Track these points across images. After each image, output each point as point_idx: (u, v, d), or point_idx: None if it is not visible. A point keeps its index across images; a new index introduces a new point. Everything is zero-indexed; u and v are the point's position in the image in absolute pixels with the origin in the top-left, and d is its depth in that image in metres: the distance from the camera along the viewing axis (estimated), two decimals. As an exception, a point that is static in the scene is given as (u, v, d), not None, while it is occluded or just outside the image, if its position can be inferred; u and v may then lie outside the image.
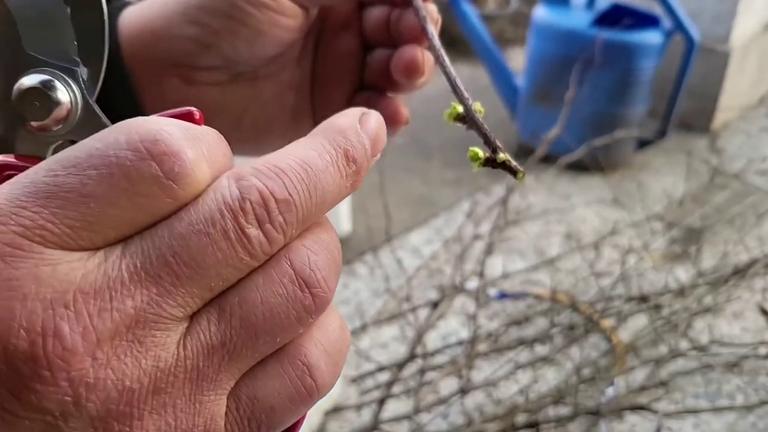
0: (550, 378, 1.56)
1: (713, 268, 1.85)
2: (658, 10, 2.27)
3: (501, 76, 2.51)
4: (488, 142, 0.25)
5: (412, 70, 0.39)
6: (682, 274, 1.88)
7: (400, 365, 1.49)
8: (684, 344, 1.61)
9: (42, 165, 0.20)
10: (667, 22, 2.27)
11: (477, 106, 0.26)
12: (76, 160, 0.20)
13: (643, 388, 1.47)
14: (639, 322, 1.71)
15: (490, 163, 0.25)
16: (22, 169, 0.21)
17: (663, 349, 1.61)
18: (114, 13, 0.41)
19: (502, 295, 1.80)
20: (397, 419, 1.40)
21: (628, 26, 2.14)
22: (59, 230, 0.19)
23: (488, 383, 1.49)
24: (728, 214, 1.92)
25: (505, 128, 2.51)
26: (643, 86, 2.29)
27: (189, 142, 0.21)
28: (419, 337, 1.51)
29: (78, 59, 0.23)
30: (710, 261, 1.92)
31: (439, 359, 1.58)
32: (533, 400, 1.42)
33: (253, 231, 0.21)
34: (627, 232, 1.98)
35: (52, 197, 0.19)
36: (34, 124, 0.22)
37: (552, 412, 1.44)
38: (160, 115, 0.22)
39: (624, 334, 1.67)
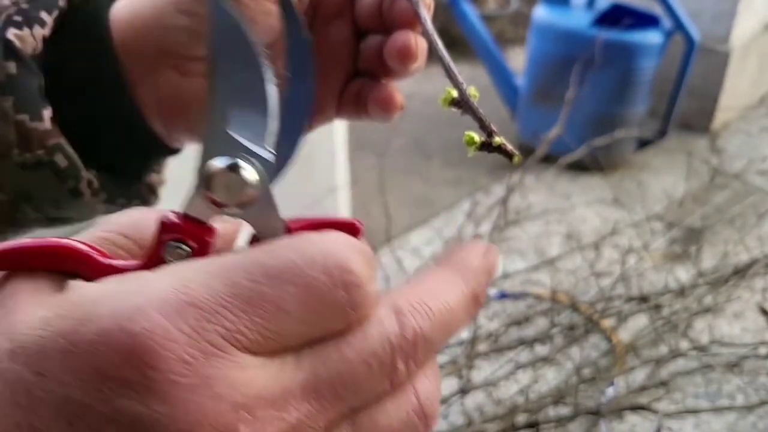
0: (550, 378, 1.56)
1: (713, 268, 1.84)
2: (658, 10, 2.27)
3: (501, 76, 2.51)
4: (483, 127, 0.25)
5: (406, 56, 0.39)
6: (683, 274, 1.87)
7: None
8: (684, 344, 1.61)
9: (239, 263, 0.21)
10: (667, 22, 2.27)
11: (472, 91, 0.26)
12: (277, 271, 0.21)
13: (643, 388, 1.47)
14: (639, 322, 1.71)
15: (486, 147, 0.25)
16: (188, 235, 0.24)
17: (663, 349, 1.61)
18: (106, 4, 0.41)
19: (503, 295, 1.80)
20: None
21: (628, 26, 2.14)
22: (253, 337, 0.21)
23: (488, 383, 1.48)
24: (728, 214, 1.92)
25: (505, 128, 2.51)
26: (643, 86, 2.29)
27: (371, 274, 0.23)
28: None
29: (273, 150, 0.24)
30: (710, 261, 1.92)
31: (439, 359, 1.58)
32: (533, 400, 1.41)
33: (401, 365, 0.23)
34: (627, 232, 1.98)
35: (253, 305, 0.21)
36: (216, 200, 0.23)
37: (552, 412, 1.44)
38: (327, 220, 0.25)
39: (624, 334, 1.67)
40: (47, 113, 0.37)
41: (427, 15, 0.36)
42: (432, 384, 0.24)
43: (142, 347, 0.20)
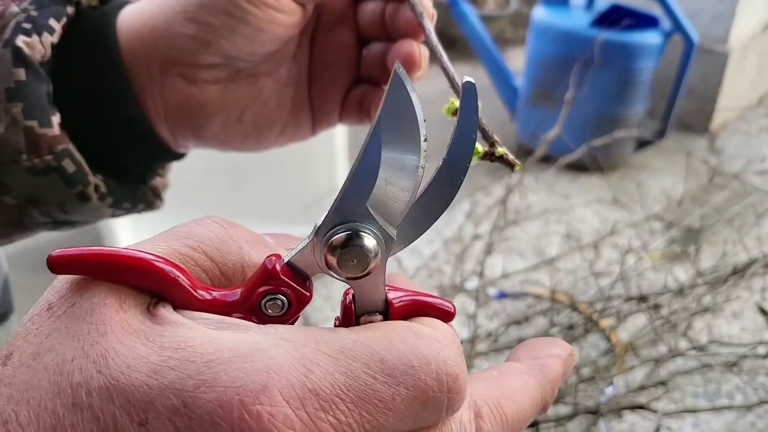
0: (550, 377, 1.57)
1: (712, 268, 1.85)
2: (657, 10, 2.28)
3: (501, 76, 2.51)
4: (486, 137, 0.26)
5: (409, 64, 0.40)
6: (682, 273, 1.88)
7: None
8: (683, 344, 1.62)
9: (357, 352, 0.22)
10: (666, 23, 2.27)
11: (475, 102, 0.27)
12: (393, 370, 0.22)
13: (642, 388, 1.48)
14: (638, 321, 1.71)
15: (489, 156, 0.25)
16: (287, 286, 0.24)
17: (662, 349, 1.61)
18: (113, 12, 0.41)
19: (502, 295, 1.80)
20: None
21: (627, 27, 2.14)
22: (358, 430, 0.21)
23: (488, 382, 1.49)
24: (727, 214, 1.92)
25: (504, 128, 2.52)
26: (643, 86, 2.29)
27: (466, 380, 0.24)
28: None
29: (396, 230, 0.24)
30: (709, 261, 1.92)
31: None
32: (533, 400, 1.42)
33: None
34: (626, 232, 1.98)
35: (366, 401, 0.21)
36: (336, 265, 0.23)
37: (551, 411, 1.44)
38: (428, 302, 0.25)
39: (623, 334, 1.67)
40: (56, 119, 0.38)
41: (430, 26, 0.37)
42: None
43: (263, 430, 0.20)
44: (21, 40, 0.37)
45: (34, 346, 0.22)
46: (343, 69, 0.44)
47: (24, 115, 0.37)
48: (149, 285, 0.23)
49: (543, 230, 2.10)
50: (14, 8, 0.38)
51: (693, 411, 1.46)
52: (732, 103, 2.71)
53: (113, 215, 0.44)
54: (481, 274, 1.65)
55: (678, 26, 2.23)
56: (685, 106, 2.55)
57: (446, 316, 0.25)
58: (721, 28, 2.55)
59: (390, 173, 0.23)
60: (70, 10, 0.40)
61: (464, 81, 0.24)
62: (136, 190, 0.45)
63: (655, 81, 2.33)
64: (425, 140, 0.24)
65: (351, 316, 0.25)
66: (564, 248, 2.00)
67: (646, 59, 2.24)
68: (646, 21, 2.26)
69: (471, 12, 2.49)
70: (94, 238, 1.95)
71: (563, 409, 1.44)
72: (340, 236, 0.23)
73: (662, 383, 1.49)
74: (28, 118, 0.37)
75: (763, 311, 1.77)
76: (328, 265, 0.23)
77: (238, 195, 1.98)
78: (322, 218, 0.23)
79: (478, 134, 0.26)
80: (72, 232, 0.47)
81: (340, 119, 0.46)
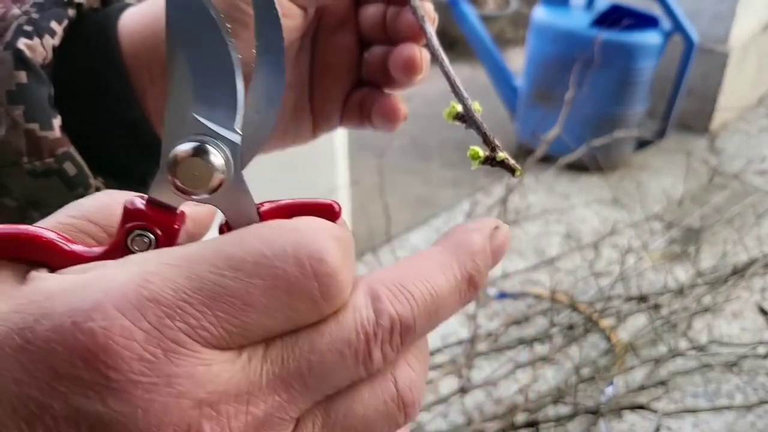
0: (550, 377, 1.57)
1: (712, 268, 1.85)
2: (657, 10, 2.28)
3: (500, 76, 2.51)
4: (487, 141, 0.26)
5: (411, 68, 0.40)
6: (682, 273, 1.88)
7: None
8: (683, 344, 1.62)
9: (204, 255, 0.21)
10: (666, 23, 2.27)
11: (476, 106, 0.27)
12: (243, 264, 0.20)
13: (642, 388, 1.48)
14: (638, 321, 1.72)
15: (489, 161, 0.25)
16: (152, 222, 0.22)
17: (662, 349, 1.62)
18: (114, 14, 0.41)
19: (502, 295, 1.81)
20: (397, 418, 1.40)
21: (627, 27, 2.14)
22: (218, 333, 0.20)
23: (488, 383, 1.49)
24: (727, 214, 1.92)
25: (504, 128, 2.52)
26: (643, 87, 2.30)
27: (344, 261, 0.22)
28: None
29: (240, 132, 0.23)
30: (709, 261, 1.93)
31: (439, 359, 1.59)
32: (533, 400, 1.42)
33: (377, 353, 0.22)
34: (626, 232, 1.98)
35: (218, 300, 0.20)
36: (182, 187, 0.22)
37: (551, 411, 1.44)
38: (302, 202, 0.23)
39: (623, 334, 1.67)
40: (57, 122, 0.38)
41: (432, 29, 0.37)
42: (414, 372, 0.23)
43: (100, 346, 0.19)
44: (22, 43, 0.37)
45: None
46: (344, 72, 0.44)
47: (25, 118, 0.37)
48: (27, 254, 0.22)
49: (543, 230, 2.10)
50: (16, 11, 0.38)
51: (693, 411, 1.46)
52: (732, 103, 2.71)
53: None
54: (481, 275, 1.65)
55: (678, 26, 2.23)
56: (685, 106, 2.55)
57: (330, 214, 0.23)
58: (721, 28, 2.55)
59: (207, 77, 0.22)
60: (71, 12, 0.40)
61: None
62: (137, 192, 0.45)
63: (655, 81, 2.33)
64: (228, 32, 0.23)
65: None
66: (564, 248, 2.01)
67: (646, 59, 2.24)
68: (646, 21, 2.26)
69: (471, 12, 2.50)
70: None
71: (563, 409, 1.44)
72: (177, 155, 0.22)
73: (662, 383, 1.49)
74: (29, 120, 0.37)
75: (763, 311, 1.78)
76: (180, 189, 0.22)
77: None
78: (163, 145, 0.22)
79: (479, 139, 0.26)
80: None
81: (341, 122, 0.46)
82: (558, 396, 1.43)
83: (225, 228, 0.24)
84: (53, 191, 0.39)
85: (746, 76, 2.76)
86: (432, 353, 1.58)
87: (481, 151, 0.26)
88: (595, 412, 1.39)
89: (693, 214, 2.02)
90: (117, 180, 0.43)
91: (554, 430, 1.39)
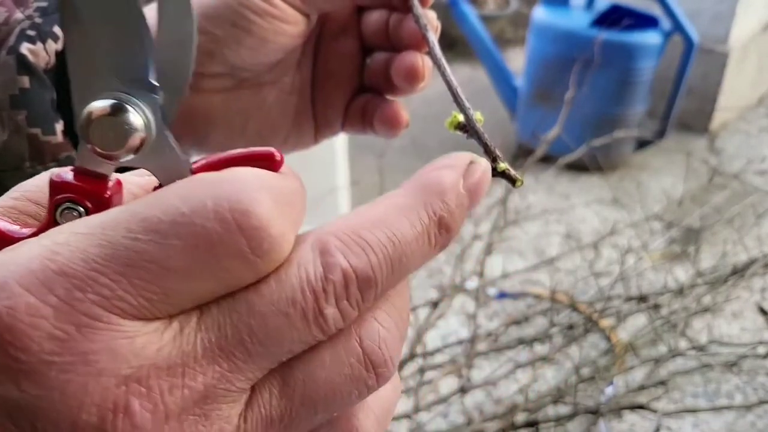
0: (550, 377, 1.57)
1: (712, 268, 1.85)
2: (657, 10, 2.28)
3: (500, 76, 2.51)
4: (488, 152, 0.26)
5: (413, 76, 0.40)
6: (681, 273, 1.88)
7: (400, 364, 1.49)
8: (683, 344, 1.62)
9: (118, 219, 0.19)
10: (666, 23, 2.27)
11: (477, 115, 0.27)
12: (159, 225, 0.18)
13: (642, 388, 1.48)
14: (638, 321, 1.72)
15: (491, 171, 0.26)
16: (80, 193, 0.20)
17: (662, 349, 1.62)
18: None
19: (502, 295, 1.81)
20: (397, 418, 1.40)
21: (627, 27, 2.14)
22: (137, 302, 0.18)
23: (488, 382, 1.49)
24: (727, 214, 1.93)
25: (504, 129, 2.52)
26: (643, 86, 2.30)
27: (279, 212, 0.19)
28: (419, 337, 1.52)
29: (156, 83, 0.21)
30: (709, 261, 1.93)
31: (439, 358, 1.59)
32: (533, 400, 1.42)
33: (330, 310, 0.20)
34: (626, 232, 1.99)
35: (133, 266, 0.18)
36: (101, 150, 0.20)
37: (551, 411, 1.45)
38: (237, 154, 0.21)
39: (623, 334, 1.67)
40: (59, 127, 0.38)
41: (434, 38, 0.37)
42: (385, 328, 0.21)
43: (5, 327, 0.17)
44: (25, 48, 0.37)
45: None
46: (347, 78, 0.44)
47: (28, 123, 0.37)
48: None
49: (543, 230, 2.10)
50: (19, 15, 0.38)
51: (693, 411, 1.46)
52: (732, 103, 2.71)
53: None
54: (480, 274, 1.65)
55: (678, 26, 2.23)
56: (685, 106, 2.55)
57: (270, 162, 0.21)
58: (721, 28, 2.55)
59: (113, 31, 0.20)
60: None
61: None
62: None
63: (655, 81, 2.33)
64: None
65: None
66: (564, 248, 2.01)
67: (646, 59, 2.24)
68: (646, 21, 2.26)
69: (471, 12, 2.50)
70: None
71: (563, 409, 1.44)
72: (90, 117, 0.20)
73: (662, 383, 1.49)
74: (31, 125, 0.37)
75: (762, 311, 1.78)
76: (100, 154, 0.20)
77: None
78: (75, 111, 0.20)
79: (481, 149, 0.26)
80: None
81: (343, 128, 0.46)
82: (558, 396, 1.43)
83: (157, 187, 0.21)
84: None
85: (746, 76, 2.76)
86: (432, 353, 1.59)
87: (482, 161, 0.26)
88: (595, 412, 1.39)
89: (693, 214, 2.03)
90: None
91: (554, 430, 1.39)
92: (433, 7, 0.41)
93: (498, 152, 0.26)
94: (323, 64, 0.45)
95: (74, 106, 0.21)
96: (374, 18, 0.42)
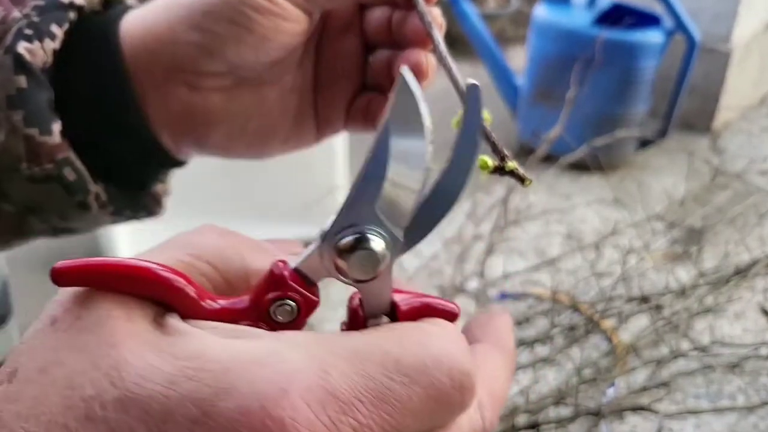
0: (551, 378, 1.57)
1: (714, 269, 1.85)
2: (659, 9, 2.28)
3: (501, 75, 2.51)
4: (496, 151, 0.25)
5: (417, 74, 0.39)
6: (683, 274, 1.88)
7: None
8: (685, 345, 1.62)
9: (373, 353, 0.22)
10: (668, 22, 2.27)
11: (485, 115, 0.26)
12: (408, 370, 0.22)
13: (644, 389, 1.48)
14: (640, 322, 1.71)
15: (499, 170, 0.25)
16: (298, 294, 0.24)
17: (664, 350, 1.62)
18: (116, 18, 0.41)
19: (503, 296, 1.80)
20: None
21: (628, 26, 2.14)
22: (377, 431, 0.21)
23: (489, 384, 1.49)
24: (729, 214, 1.92)
25: (505, 128, 2.51)
26: (644, 86, 2.29)
27: (476, 377, 0.24)
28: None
29: (402, 232, 0.24)
30: (711, 261, 1.92)
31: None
32: (534, 401, 1.42)
33: None
34: (628, 232, 1.98)
35: (385, 402, 0.21)
36: (345, 268, 0.23)
37: (553, 412, 1.44)
38: (434, 304, 0.25)
39: (625, 335, 1.67)
40: (56, 127, 0.38)
41: (440, 36, 0.36)
42: None
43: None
44: (22, 47, 0.37)
45: (40, 362, 0.21)
46: (349, 76, 0.44)
47: (24, 123, 0.37)
48: (155, 295, 0.22)
49: (544, 230, 2.10)
50: (16, 14, 0.38)
51: (695, 412, 1.46)
52: (734, 103, 2.70)
53: (113, 222, 0.44)
54: (481, 275, 1.65)
55: (680, 25, 2.22)
56: (686, 105, 2.54)
57: (451, 316, 0.25)
58: (724, 27, 2.55)
59: (397, 176, 0.23)
60: (72, 15, 0.39)
61: (468, 83, 0.24)
62: (137, 198, 0.45)
63: (656, 80, 2.33)
64: (431, 143, 0.24)
65: (359, 319, 0.25)
66: (565, 248, 2.00)
67: (648, 58, 2.24)
68: (647, 20, 2.25)
69: (472, 10, 2.49)
70: (92, 239, 1.95)
71: (564, 411, 1.44)
72: (350, 240, 0.23)
73: (664, 384, 1.49)
74: (28, 126, 0.37)
75: (765, 312, 1.77)
76: (338, 269, 0.23)
77: (238, 194, 1.98)
78: (330, 222, 0.23)
79: (488, 148, 0.25)
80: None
81: (345, 127, 0.45)
82: (559, 397, 1.43)
83: (359, 305, 0.25)
84: (52, 197, 0.39)
85: (748, 75, 2.76)
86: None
87: (490, 161, 0.25)
88: (597, 414, 1.39)
89: (695, 214, 2.02)
90: (117, 186, 0.43)
91: (555, 432, 1.39)
92: (436, 4, 0.40)
93: (506, 151, 0.25)
94: (325, 62, 0.44)
95: (335, 220, 0.24)
96: (377, 15, 0.42)
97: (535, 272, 1.89)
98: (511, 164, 0.24)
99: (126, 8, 0.42)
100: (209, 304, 0.23)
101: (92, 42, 0.40)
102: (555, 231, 2.10)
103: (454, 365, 0.23)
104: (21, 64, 0.36)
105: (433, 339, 0.23)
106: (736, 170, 2.37)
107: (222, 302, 0.23)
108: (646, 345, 1.63)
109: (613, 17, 2.20)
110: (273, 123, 0.44)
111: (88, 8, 0.41)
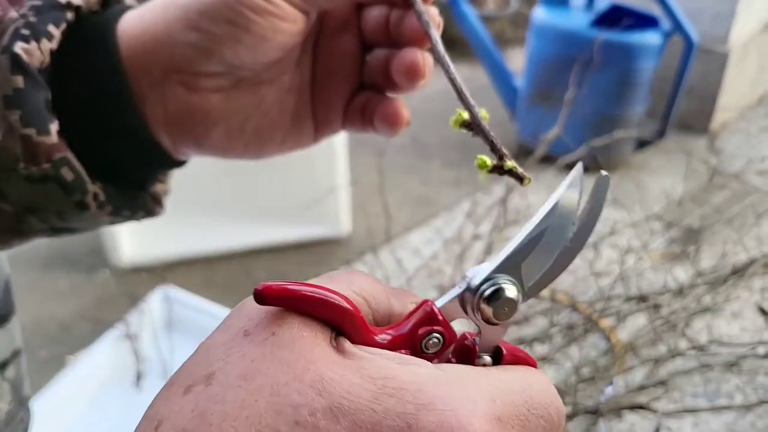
0: (550, 377, 1.57)
1: (712, 268, 1.85)
2: (657, 10, 2.28)
3: (500, 76, 2.52)
4: (495, 150, 0.26)
5: (413, 73, 0.39)
6: (681, 273, 1.88)
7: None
8: (683, 344, 1.62)
9: (516, 389, 0.26)
10: (666, 23, 2.27)
11: (482, 113, 0.27)
12: (538, 405, 0.26)
13: (642, 388, 1.48)
14: (638, 321, 1.72)
15: (497, 170, 0.25)
16: (447, 330, 0.28)
17: (662, 349, 1.62)
18: (113, 18, 0.41)
19: (502, 295, 1.81)
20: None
21: (627, 27, 2.14)
22: None
23: (488, 383, 1.49)
24: (727, 214, 1.93)
25: (504, 129, 2.52)
26: (643, 87, 2.30)
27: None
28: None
29: (526, 290, 0.29)
30: (709, 261, 1.93)
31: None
32: (533, 400, 1.42)
33: None
34: (626, 232, 1.99)
35: (525, 428, 0.26)
36: (489, 313, 0.27)
37: (551, 411, 1.45)
38: (524, 356, 0.30)
39: (623, 334, 1.67)
40: (54, 127, 0.38)
41: (437, 35, 0.36)
42: None
43: None
44: (19, 47, 0.37)
45: (240, 369, 0.23)
46: (346, 76, 0.44)
47: (21, 123, 0.36)
48: (334, 320, 0.26)
49: (543, 230, 2.10)
50: (13, 14, 0.38)
51: (693, 411, 1.46)
52: (732, 103, 2.71)
53: (112, 223, 0.44)
54: (481, 275, 1.65)
55: (678, 26, 2.23)
56: (684, 106, 2.55)
57: (535, 365, 0.30)
58: (721, 28, 2.55)
59: (543, 246, 0.28)
60: (69, 15, 0.39)
61: (601, 174, 0.30)
62: (136, 198, 0.45)
63: (655, 81, 2.33)
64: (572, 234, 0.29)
65: (471, 355, 0.29)
66: (564, 248, 2.01)
67: (646, 59, 2.24)
68: (646, 21, 2.26)
69: (471, 12, 2.50)
70: (93, 239, 1.96)
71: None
72: (495, 288, 0.27)
73: (662, 383, 1.50)
74: (25, 125, 0.37)
75: (762, 311, 1.78)
76: (482, 312, 0.28)
77: (239, 195, 1.99)
78: (484, 274, 0.28)
79: (487, 147, 0.26)
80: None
81: (343, 127, 0.45)
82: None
83: (474, 344, 0.29)
84: (50, 196, 0.39)
85: (746, 75, 2.76)
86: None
87: (489, 160, 0.26)
88: (595, 412, 1.39)
89: (693, 214, 2.03)
90: (115, 185, 0.42)
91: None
92: (434, 4, 0.40)
93: (504, 150, 0.25)
94: (323, 62, 0.44)
95: (487, 270, 0.28)
96: (374, 15, 0.42)
97: (534, 272, 1.89)
98: (510, 163, 0.25)
99: (124, 8, 0.42)
100: (375, 334, 0.27)
101: (90, 42, 0.40)
102: (554, 231, 2.10)
103: (559, 407, 0.27)
104: (18, 64, 0.36)
105: (545, 383, 0.28)
106: (734, 170, 2.37)
107: (388, 332, 0.27)
108: (645, 344, 1.63)
109: (611, 19, 2.21)
110: (271, 123, 0.44)
111: (86, 8, 0.41)
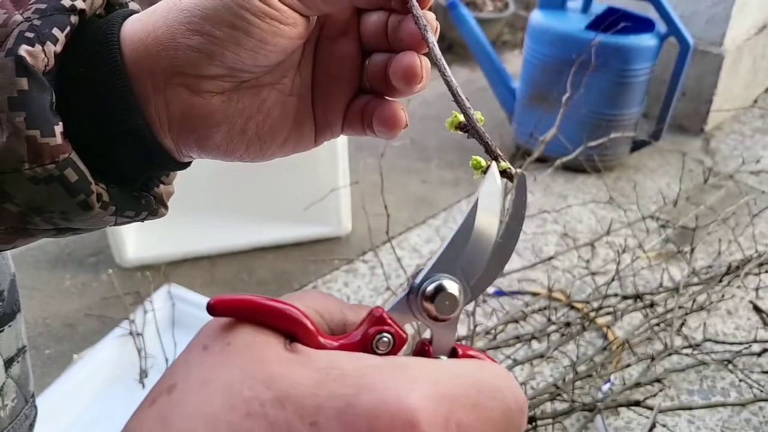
0: (547, 374, 1.59)
1: (707, 267, 1.87)
2: (652, 13, 2.30)
3: (498, 78, 2.53)
4: (489, 151, 0.28)
5: (411, 77, 0.40)
6: (677, 272, 1.90)
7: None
8: (678, 341, 1.63)
9: (465, 374, 0.28)
10: (661, 26, 2.29)
11: (478, 115, 0.28)
12: (490, 389, 0.28)
13: (638, 385, 1.49)
14: (634, 319, 1.73)
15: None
16: (393, 329, 0.30)
17: (658, 347, 1.63)
18: (117, 21, 0.41)
19: (500, 293, 1.82)
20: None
21: (623, 30, 2.16)
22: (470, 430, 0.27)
23: (486, 380, 1.50)
24: (722, 213, 1.94)
25: (502, 130, 2.54)
26: (638, 88, 2.31)
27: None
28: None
29: (469, 288, 0.31)
30: (704, 260, 1.95)
31: (439, 357, 1.60)
32: (530, 396, 1.43)
33: None
34: (622, 231, 2.00)
35: (477, 408, 0.27)
36: (433, 310, 0.29)
37: (549, 407, 1.46)
38: (473, 350, 0.33)
39: (619, 332, 1.69)
40: (58, 128, 0.38)
41: (434, 39, 0.37)
42: None
43: (416, 419, 0.25)
44: (24, 50, 0.37)
45: (199, 377, 0.27)
46: (346, 79, 0.44)
47: (26, 125, 0.37)
48: (286, 328, 0.28)
49: (540, 230, 2.12)
50: (17, 17, 0.38)
51: (688, 408, 1.47)
52: (727, 105, 2.73)
53: (116, 223, 0.44)
54: (479, 274, 1.66)
55: (673, 29, 2.24)
56: (680, 107, 2.57)
57: (490, 357, 0.33)
58: (716, 30, 2.57)
59: (474, 244, 0.30)
60: (73, 19, 0.40)
61: (519, 174, 0.31)
62: (140, 199, 0.45)
63: (650, 83, 2.35)
64: (501, 222, 0.31)
65: (427, 354, 0.31)
66: (561, 247, 2.03)
67: (642, 61, 2.25)
68: (641, 24, 2.27)
69: (469, 15, 2.51)
70: (98, 239, 1.97)
71: (560, 406, 1.46)
72: (434, 285, 0.30)
73: (658, 380, 1.50)
74: (30, 127, 0.37)
75: (757, 309, 1.80)
76: (426, 310, 0.30)
77: (242, 194, 2.00)
78: (419, 278, 0.30)
79: (482, 148, 0.28)
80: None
81: (343, 130, 0.46)
82: (555, 393, 1.44)
83: (429, 344, 0.32)
84: (54, 197, 0.39)
85: (741, 78, 2.78)
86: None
87: (483, 161, 0.28)
88: (592, 409, 1.40)
89: (688, 214, 2.04)
90: (119, 186, 0.43)
91: (552, 427, 1.40)
92: (432, 9, 0.41)
93: (499, 151, 0.27)
94: (323, 65, 0.45)
95: (425, 274, 0.31)
96: (373, 19, 0.42)
97: (532, 270, 1.91)
98: (504, 164, 0.27)
99: (128, 12, 0.43)
100: (325, 339, 0.29)
101: (94, 45, 0.40)
102: (551, 230, 2.12)
103: (516, 393, 0.29)
104: (23, 67, 0.36)
105: (499, 370, 0.29)
106: (729, 171, 2.39)
107: (341, 340, 0.30)
108: (641, 342, 1.64)
109: (607, 21, 2.21)
110: (272, 125, 0.44)
111: (90, 12, 0.41)
